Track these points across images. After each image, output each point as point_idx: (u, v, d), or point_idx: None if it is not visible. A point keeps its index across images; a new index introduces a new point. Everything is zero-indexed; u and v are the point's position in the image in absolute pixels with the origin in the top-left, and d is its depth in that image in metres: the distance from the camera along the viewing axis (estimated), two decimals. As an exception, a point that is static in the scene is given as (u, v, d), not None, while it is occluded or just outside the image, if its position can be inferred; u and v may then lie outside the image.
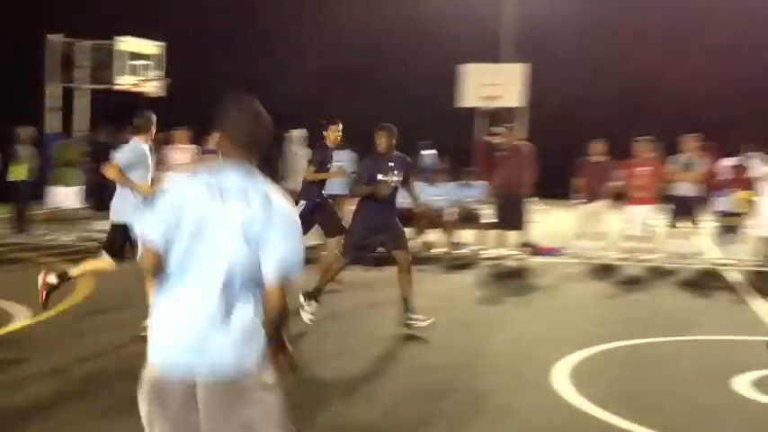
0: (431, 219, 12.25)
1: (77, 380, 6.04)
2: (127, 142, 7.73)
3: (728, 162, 12.99)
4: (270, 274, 2.92)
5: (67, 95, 20.35)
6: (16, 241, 13.13)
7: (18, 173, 13.50)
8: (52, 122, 19.53)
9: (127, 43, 19.70)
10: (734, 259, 12.41)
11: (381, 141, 7.79)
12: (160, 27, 20.76)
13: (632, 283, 11.02)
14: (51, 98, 19.92)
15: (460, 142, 19.51)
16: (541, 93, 19.43)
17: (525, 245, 12.92)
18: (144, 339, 3.14)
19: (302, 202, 8.98)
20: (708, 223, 13.42)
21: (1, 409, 5.32)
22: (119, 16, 21.97)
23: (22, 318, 7.76)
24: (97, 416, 5.27)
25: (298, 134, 13.87)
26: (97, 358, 6.58)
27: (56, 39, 19.71)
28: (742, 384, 6.17)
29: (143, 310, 6.25)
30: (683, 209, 12.49)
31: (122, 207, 7.36)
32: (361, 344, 7.28)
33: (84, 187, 16.28)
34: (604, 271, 11.85)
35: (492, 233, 12.94)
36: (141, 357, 3.00)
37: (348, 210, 10.27)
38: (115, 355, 6.64)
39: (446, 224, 12.98)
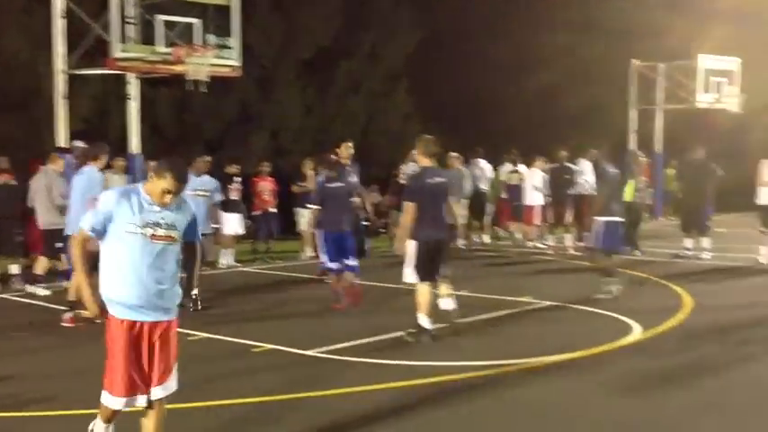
0: None
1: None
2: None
3: None
4: None
5: (642, 117, 21.21)
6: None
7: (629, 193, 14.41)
8: (633, 143, 20.42)
9: (706, 61, 19.90)
10: None
11: None
12: (736, 43, 20.46)
13: None
14: (633, 120, 21.00)
15: None
16: None
17: None
18: None
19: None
20: None
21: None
22: (694, 36, 22.03)
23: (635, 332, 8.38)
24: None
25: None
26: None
27: (637, 63, 20.78)
28: None
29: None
30: None
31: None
32: None
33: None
34: None
35: None
36: None
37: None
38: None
39: None
